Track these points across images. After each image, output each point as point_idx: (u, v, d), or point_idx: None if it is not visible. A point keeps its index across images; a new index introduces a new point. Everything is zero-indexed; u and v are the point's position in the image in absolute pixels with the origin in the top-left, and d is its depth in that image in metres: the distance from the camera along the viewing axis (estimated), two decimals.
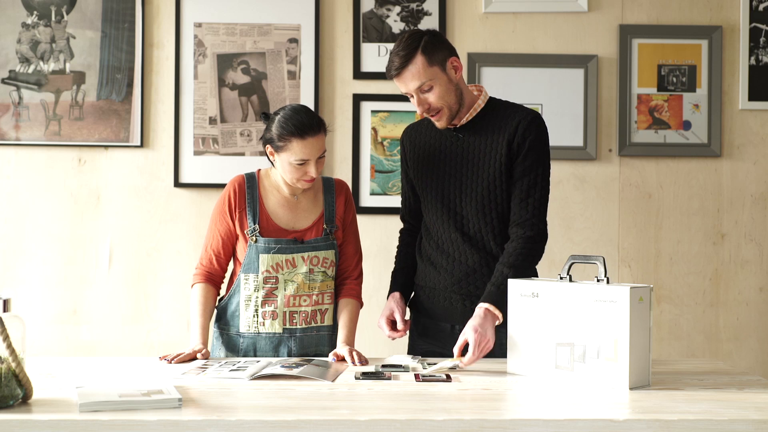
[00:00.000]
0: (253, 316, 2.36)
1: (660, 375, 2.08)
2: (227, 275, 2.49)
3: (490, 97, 2.41)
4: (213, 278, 2.42)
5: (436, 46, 2.27)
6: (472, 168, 2.35)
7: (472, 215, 2.36)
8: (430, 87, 2.27)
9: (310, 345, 2.38)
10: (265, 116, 2.39)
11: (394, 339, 2.40)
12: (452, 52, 2.32)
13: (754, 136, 3.42)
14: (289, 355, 2.36)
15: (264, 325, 2.36)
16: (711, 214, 3.42)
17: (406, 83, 2.27)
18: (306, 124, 2.28)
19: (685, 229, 3.42)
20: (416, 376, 2.04)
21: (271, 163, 2.39)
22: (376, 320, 3.36)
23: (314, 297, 2.38)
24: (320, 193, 2.44)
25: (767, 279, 3.42)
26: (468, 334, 2.13)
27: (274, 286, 2.35)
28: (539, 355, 2.05)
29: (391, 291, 2.52)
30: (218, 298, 2.46)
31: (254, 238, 2.35)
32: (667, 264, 3.41)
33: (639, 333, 1.94)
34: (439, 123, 2.34)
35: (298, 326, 2.37)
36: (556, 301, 2.03)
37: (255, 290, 2.36)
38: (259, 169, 2.46)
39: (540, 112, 3.34)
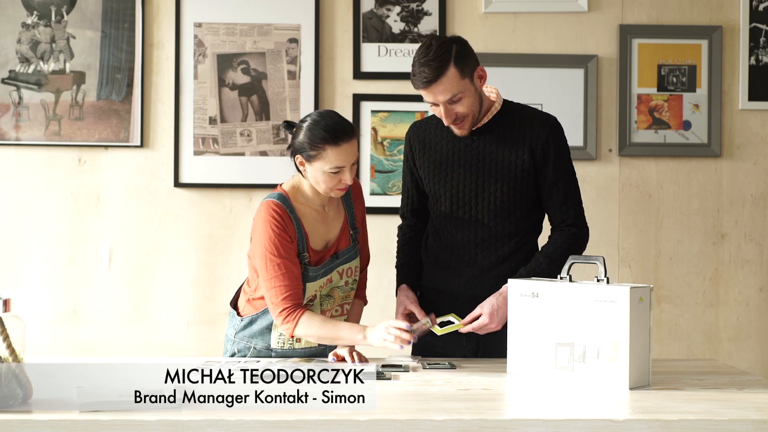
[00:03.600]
0: None
1: (660, 375, 2.08)
2: (247, 290, 2.36)
3: (504, 99, 2.41)
4: (301, 301, 2.23)
5: (466, 57, 2.25)
6: (490, 172, 2.34)
7: (490, 218, 2.35)
8: (460, 99, 2.24)
9: None
10: (289, 125, 2.27)
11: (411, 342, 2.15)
12: (477, 61, 2.31)
13: (754, 136, 3.42)
14: None
15: (300, 341, 2.29)
16: (711, 214, 3.42)
17: (435, 95, 2.23)
18: (339, 130, 2.16)
19: (685, 229, 3.42)
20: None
21: (301, 173, 2.26)
22: (377, 321, 3.35)
23: (345, 306, 2.35)
24: (339, 198, 2.36)
25: (767, 279, 3.42)
26: (485, 308, 2.24)
27: (311, 303, 2.28)
28: (539, 355, 2.05)
29: (398, 284, 2.47)
30: (239, 310, 2.37)
31: (302, 267, 2.24)
32: (667, 264, 3.41)
33: (639, 333, 1.94)
34: (461, 131, 2.32)
35: None
36: (556, 301, 2.03)
37: None
38: (282, 188, 2.29)
39: None
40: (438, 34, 3.34)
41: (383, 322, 2.13)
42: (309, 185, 2.26)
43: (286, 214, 2.21)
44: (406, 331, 2.08)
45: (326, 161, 2.16)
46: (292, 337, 2.23)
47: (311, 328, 2.17)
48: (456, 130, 2.33)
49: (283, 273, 2.19)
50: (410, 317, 2.35)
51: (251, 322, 2.32)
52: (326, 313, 2.30)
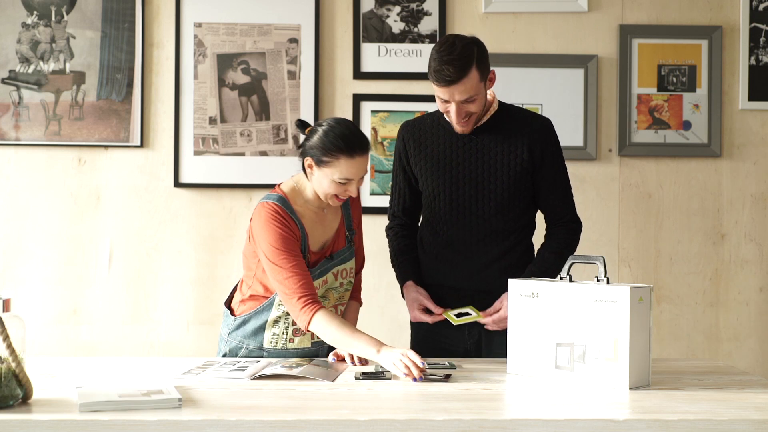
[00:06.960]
0: (283, 333, 2.27)
1: (660, 375, 2.08)
2: (242, 289, 2.35)
3: (499, 101, 2.45)
4: (316, 293, 2.17)
5: (485, 61, 2.27)
6: (490, 169, 2.38)
7: (491, 214, 2.39)
8: (474, 100, 2.26)
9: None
10: (303, 124, 2.23)
11: (434, 322, 2.37)
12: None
13: (754, 136, 3.42)
14: None
15: (293, 341, 2.29)
16: (711, 214, 3.42)
17: (453, 94, 2.23)
18: (356, 141, 2.14)
19: (685, 229, 3.42)
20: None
21: (306, 175, 2.23)
22: (377, 321, 3.37)
23: (340, 307, 2.34)
24: None
25: (767, 279, 3.42)
26: (504, 303, 2.29)
27: None
28: (539, 355, 2.05)
29: (404, 281, 2.48)
30: (232, 309, 2.37)
31: None
32: (667, 264, 3.41)
33: (639, 333, 1.94)
34: (464, 128, 2.34)
35: None
36: (556, 301, 2.03)
37: (289, 313, 2.24)
38: (281, 189, 2.26)
39: (540, 112, 3.34)
40: (438, 34, 3.34)
41: (400, 348, 2.03)
42: (311, 188, 2.24)
43: (287, 215, 2.19)
44: (419, 368, 1.97)
45: (337, 170, 2.14)
46: (308, 331, 2.15)
47: (329, 328, 2.09)
48: (459, 128, 2.34)
49: (295, 264, 2.14)
50: (427, 312, 2.38)
51: (244, 322, 2.31)
52: None
